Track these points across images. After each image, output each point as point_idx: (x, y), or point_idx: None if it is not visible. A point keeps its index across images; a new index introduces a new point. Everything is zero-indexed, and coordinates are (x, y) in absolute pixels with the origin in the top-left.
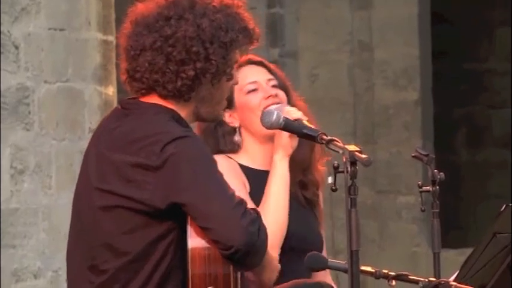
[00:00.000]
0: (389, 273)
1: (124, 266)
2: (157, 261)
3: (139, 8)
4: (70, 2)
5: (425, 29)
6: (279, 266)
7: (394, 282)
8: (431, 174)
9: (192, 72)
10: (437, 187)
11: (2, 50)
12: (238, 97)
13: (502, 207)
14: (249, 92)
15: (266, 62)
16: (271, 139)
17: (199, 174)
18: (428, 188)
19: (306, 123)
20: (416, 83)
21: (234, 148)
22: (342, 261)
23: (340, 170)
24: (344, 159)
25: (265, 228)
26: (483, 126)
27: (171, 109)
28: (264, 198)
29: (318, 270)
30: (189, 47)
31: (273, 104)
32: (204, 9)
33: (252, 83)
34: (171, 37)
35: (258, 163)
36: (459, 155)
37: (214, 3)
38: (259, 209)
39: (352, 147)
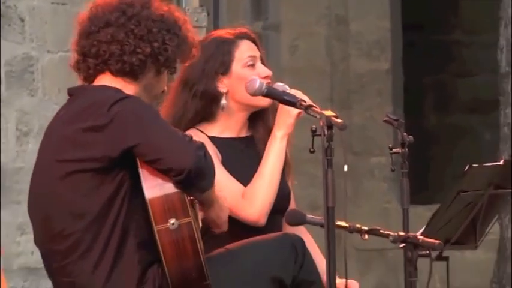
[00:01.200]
0: (362, 227)
1: (86, 227)
2: (115, 216)
3: (100, 0)
4: None
5: (396, 4)
6: (228, 208)
7: (366, 236)
8: (401, 137)
9: (148, 50)
10: (406, 149)
11: (9, 23)
12: (236, 67)
13: (466, 167)
14: (248, 65)
15: (256, 37)
16: (247, 109)
17: (145, 119)
18: (398, 150)
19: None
20: (388, 53)
21: (215, 112)
22: (318, 217)
23: (317, 133)
24: (321, 124)
25: (209, 154)
26: (450, 94)
27: (116, 88)
28: (259, 168)
29: (297, 225)
30: (150, 27)
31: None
32: (166, 8)
33: (252, 57)
34: (135, 16)
35: (228, 132)
36: (428, 119)
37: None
38: (257, 173)
39: (328, 113)
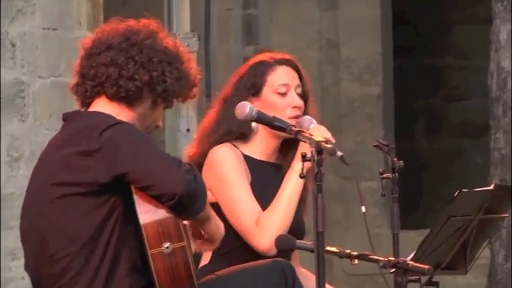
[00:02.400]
0: (352, 252)
1: (77, 251)
2: (107, 241)
3: (108, 25)
4: (62, 3)
5: (387, 28)
6: (222, 227)
7: (356, 261)
8: (391, 162)
9: (146, 78)
10: (397, 174)
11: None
12: (266, 92)
13: (456, 192)
14: (279, 93)
15: (300, 67)
16: (277, 136)
17: (136, 145)
18: (388, 175)
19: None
20: (379, 78)
21: (246, 133)
22: (308, 242)
23: (307, 158)
24: (311, 149)
25: (200, 176)
26: (441, 117)
27: (110, 114)
28: (276, 199)
29: (286, 251)
30: (152, 56)
31: (297, 116)
32: (172, 41)
33: (284, 85)
34: (139, 44)
35: (259, 154)
36: (419, 143)
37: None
38: (273, 203)
39: (318, 138)
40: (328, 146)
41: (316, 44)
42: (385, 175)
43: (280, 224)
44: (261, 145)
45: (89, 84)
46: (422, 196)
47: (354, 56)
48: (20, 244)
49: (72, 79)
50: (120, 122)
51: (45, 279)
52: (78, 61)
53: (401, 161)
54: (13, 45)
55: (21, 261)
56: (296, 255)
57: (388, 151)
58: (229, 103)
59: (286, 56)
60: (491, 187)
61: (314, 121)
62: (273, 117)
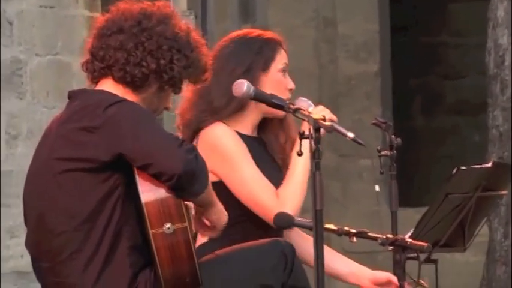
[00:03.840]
0: (351, 230)
1: (76, 227)
2: (107, 218)
3: (123, 4)
4: None
5: (384, 6)
6: (225, 212)
7: (354, 239)
8: (389, 139)
9: (153, 66)
10: (395, 151)
11: None
12: (273, 68)
13: (453, 169)
14: (282, 71)
15: None
16: (261, 111)
17: (138, 124)
18: (386, 152)
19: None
20: (376, 56)
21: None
22: (307, 220)
23: (305, 136)
24: (308, 126)
25: (201, 157)
26: (438, 95)
27: (114, 93)
28: (291, 173)
29: (285, 228)
30: (161, 44)
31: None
32: (185, 27)
33: (287, 65)
34: (149, 30)
35: (246, 129)
36: (416, 121)
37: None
38: (288, 177)
39: (316, 116)
40: (326, 123)
41: (313, 22)
42: (383, 152)
43: (299, 196)
44: (247, 120)
45: (97, 65)
46: (419, 174)
47: (351, 34)
48: (18, 222)
49: (84, 55)
50: (124, 100)
51: (44, 255)
52: (90, 38)
53: (398, 139)
54: (10, 24)
55: (20, 240)
56: None
57: (385, 128)
58: (234, 77)
59: (282, 38)
60: (490, 164)
61: (311, 102)
62: (271, 94)
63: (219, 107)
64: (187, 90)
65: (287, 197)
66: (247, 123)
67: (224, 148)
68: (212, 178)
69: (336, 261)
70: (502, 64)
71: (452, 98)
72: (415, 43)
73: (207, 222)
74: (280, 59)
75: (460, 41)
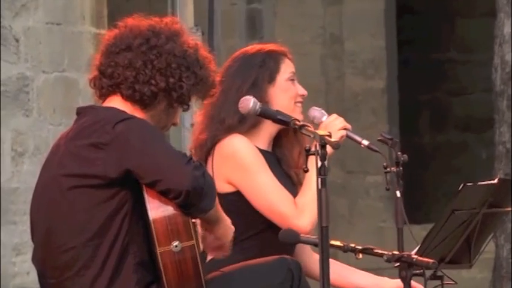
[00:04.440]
0: (356, 246)
1: (84, 243)
2: (115, 235)
3: (131, 20)
4: None
5: (390, 22)
6: (232, 227)
7: (360, 255)
8: (395, 156)
9: (163, 84)
10: (401, 168)
11: (3, 43)
12: (280, 79)
13: (460, 186)
14: (291, 80)
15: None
16: (277, 126)
17: (146, 141)
18: (392, 169)
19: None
20: (383, 72)
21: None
22: (313, 236)
23: (311, 152)
24: (314, 143)
25: (209, 174)
26: (445, 111)
27: (123, 110)
28: (308, 184)
29: (290, 245)
30: (170, 62)
31: (300, 103)
32: (193, 43)
33: (294, 73)
34: (158, 47)
35: (262, 144)
36: (423, 137)
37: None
38: (305, 191)
39: (322, 132)
40: (332, 140)
41: (320, 39)
42: (389, 169)
43: (315, 205)
44: (263, 135)
45: (106, 82)
46: (426, 190)
47: (358, 50)
48: (24, 239)
49: (91, 72)
50: (133, 117)
51: (51, 271)
52: (98, 55)
53: (405, 155)
54: (17, 40)
55: (26, 256)
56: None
57: (392, 145)
58: (242, 93)
59: (286, 49)
60: (496, 181)
61: (324, 111)
62: (276, 111)
63: (233, 124)
64: (199, 114)
65: (305, 205)
66: (263, 137)
67: (242, 157)
68: (228, 189)
69: (355, 275)
70: (509, 80)
71: (459, 114)
72: (422, 59)
73: (213, 238)
74: (286, 69)
75: (467, 57)
